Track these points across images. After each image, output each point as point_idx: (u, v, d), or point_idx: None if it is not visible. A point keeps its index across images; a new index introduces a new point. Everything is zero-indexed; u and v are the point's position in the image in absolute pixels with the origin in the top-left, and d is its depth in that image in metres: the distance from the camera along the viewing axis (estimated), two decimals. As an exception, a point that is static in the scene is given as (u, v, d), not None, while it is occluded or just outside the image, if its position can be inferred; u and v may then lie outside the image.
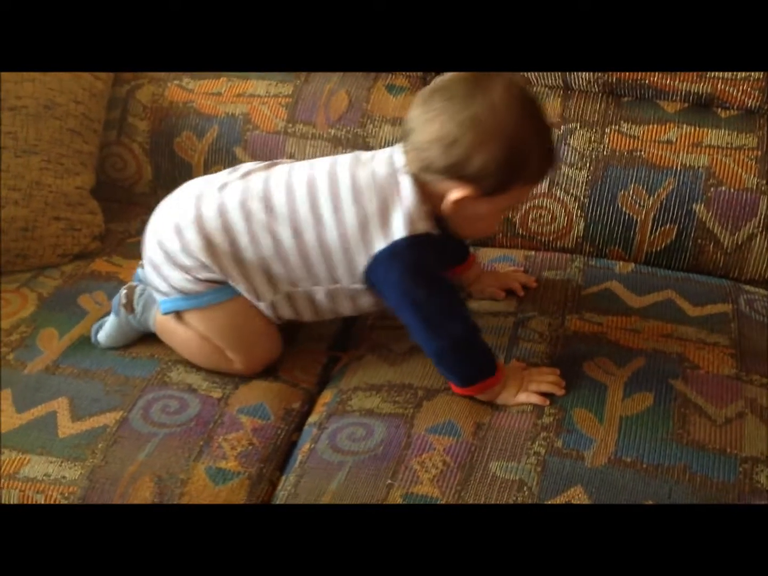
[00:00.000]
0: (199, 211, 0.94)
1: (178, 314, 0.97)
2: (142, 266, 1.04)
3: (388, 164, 0.92)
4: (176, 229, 0.94)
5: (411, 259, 0.90)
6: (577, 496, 0.82)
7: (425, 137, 0.88)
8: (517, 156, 0.87)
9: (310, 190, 0.92)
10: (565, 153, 1.18)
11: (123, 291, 1.02)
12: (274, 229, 0.92)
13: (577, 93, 1.24)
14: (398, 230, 0.90)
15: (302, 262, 0.93)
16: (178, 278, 0.95)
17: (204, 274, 0.94)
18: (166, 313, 0.98)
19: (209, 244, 0.93)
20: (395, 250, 0.90)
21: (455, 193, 0.89)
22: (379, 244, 0.90)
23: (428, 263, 0.91)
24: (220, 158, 1.28)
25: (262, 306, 0.96)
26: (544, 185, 1.18)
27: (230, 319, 0.96)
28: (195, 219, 0.93)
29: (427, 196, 0.91)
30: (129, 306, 1.01)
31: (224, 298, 0.95)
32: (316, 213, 0.91)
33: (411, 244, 0.90)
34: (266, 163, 0.98)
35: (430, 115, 0.87)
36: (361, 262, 0.91)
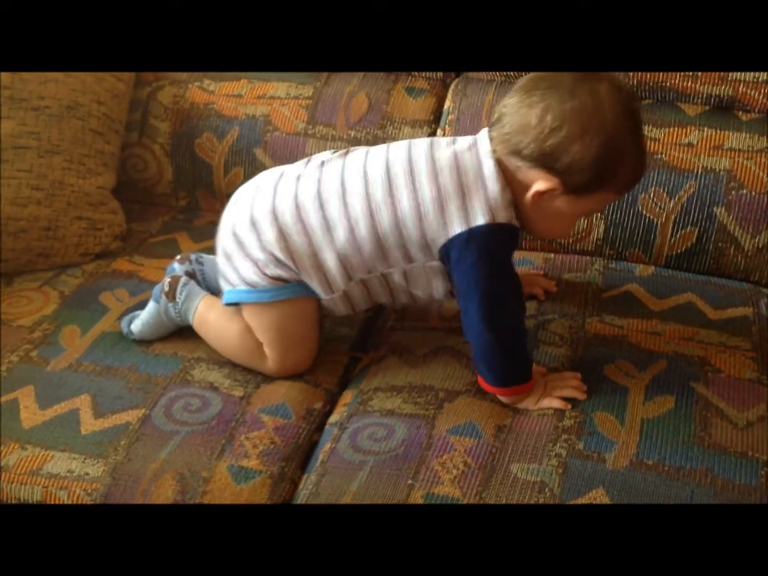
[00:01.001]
0: (274, 203, 0.94)
1: (235, 305, 0.98)
2: (179, 260, 1.06)
3: (471, 147, 0.91)
4: (251, 221, 0.95)
5: (488, 247, 0.89)
6: (599, 498, 0.82)
7: (521, 122, 0.87)
8: (612, 157, 0.86)
9: (386, 172, 0.91)
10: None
11: (167, 279, 1.03)
12: (349, 216, 0.92)
13: (597, 96, 1.24)
14: (479, 215, 0.89)
15: (377, 247, 0.92)
16: (248, 270, 0.96)
17: (272, 270, 0.94)
18: (228, 304, 0.99)
19: (283, 237, 0.93)
20: (473, 235, 0.89)
21: (541, 184, 0.87)
22: (458, 227, 0.89)
23: (503, 255, 0.90)
24: (240, 159, 1.29)
25: (335, 297, 0.96)
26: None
27: (284, 319, 0.97)
28: (270, 211, 0.94)
29: (510, 184, 0.90)
30: (171, 294, 1.01)
31: (286, 296, 0.96)
32: (392, 193, 0.91)
33: (490, 232, 0.89)
34: (342, 151, 0.98)
35: (530, 101, 0.86)
36: (438, 239, 0.90)
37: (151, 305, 1.03)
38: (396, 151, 0.94)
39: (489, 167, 0.90)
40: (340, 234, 0.92)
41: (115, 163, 1.28)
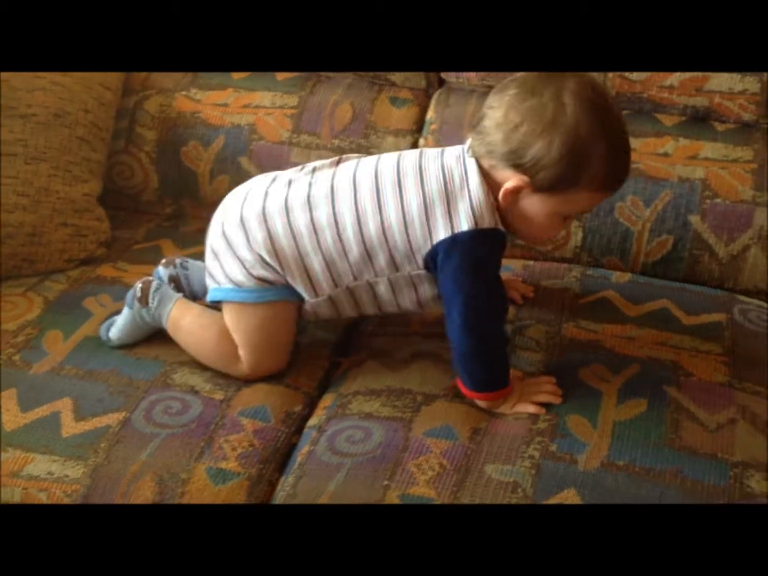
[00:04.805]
0: (264, 205, 0.96)
1: (217, 303, 1.00)
2: (164, 264, 1.07)
3: (458, 155, 0.93)
4: (241, 222, 0.97)
5: (472, 252, 0.90)
6: (570, 498, 0.83)
7: (491, 122, 0.90)
8: (577, 153, 0.86)
9: (374, 182, 0.94)
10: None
11: (138, 285, 1.04)
12: (336, 222, 0.93)
13: (576, 106, 1.26)
14: (464, 221, 0.90)
15: (364, 254, 0.94)
16: (235, 270, 0.97)
17: (258, 271, 0.96)
18: (212, 301, 1.01)
19: (271, 239, 0.95)
20: (457, 241, 0.90)
21: (510, 182, 0.89)
22: (442, 233, 0.91)
23: (488, 260, 0.92)
24: (225, 168, 1.31)
25: (320, 300, 0.97)
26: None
27: (264, 321, 0.98)
28: (260, 213, 0.96)
29: (491, 187, 0.91)
30: (144, 299, 1.02)
31: (269, 298, 0.97)
32: (380, 202, 0.93)
33: (474, 237, 0.90)
34: (334, 159, 1.00)
35: (500, 102, 0.89)
36: (423, 247, 0.92)
37: (125, 311, 1.04)
38: (386, 161, 0.96)
39: (472, 172, 0.91)
40: (328, 238, 0.94)
41: (101, 171, 1.29)
